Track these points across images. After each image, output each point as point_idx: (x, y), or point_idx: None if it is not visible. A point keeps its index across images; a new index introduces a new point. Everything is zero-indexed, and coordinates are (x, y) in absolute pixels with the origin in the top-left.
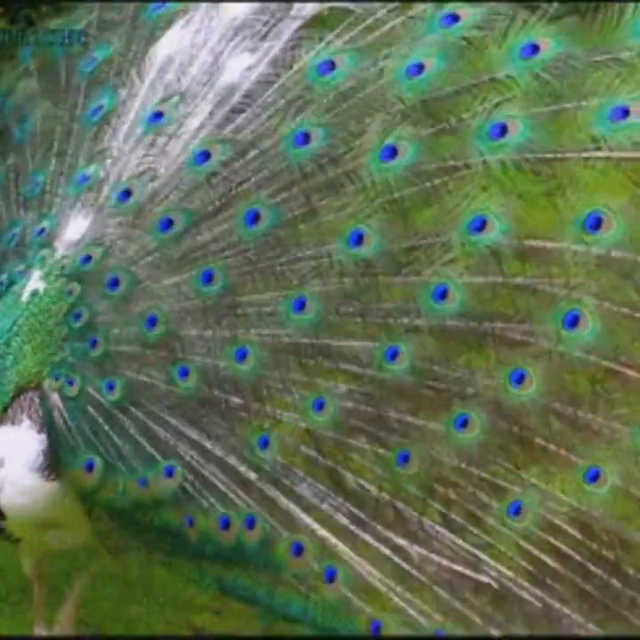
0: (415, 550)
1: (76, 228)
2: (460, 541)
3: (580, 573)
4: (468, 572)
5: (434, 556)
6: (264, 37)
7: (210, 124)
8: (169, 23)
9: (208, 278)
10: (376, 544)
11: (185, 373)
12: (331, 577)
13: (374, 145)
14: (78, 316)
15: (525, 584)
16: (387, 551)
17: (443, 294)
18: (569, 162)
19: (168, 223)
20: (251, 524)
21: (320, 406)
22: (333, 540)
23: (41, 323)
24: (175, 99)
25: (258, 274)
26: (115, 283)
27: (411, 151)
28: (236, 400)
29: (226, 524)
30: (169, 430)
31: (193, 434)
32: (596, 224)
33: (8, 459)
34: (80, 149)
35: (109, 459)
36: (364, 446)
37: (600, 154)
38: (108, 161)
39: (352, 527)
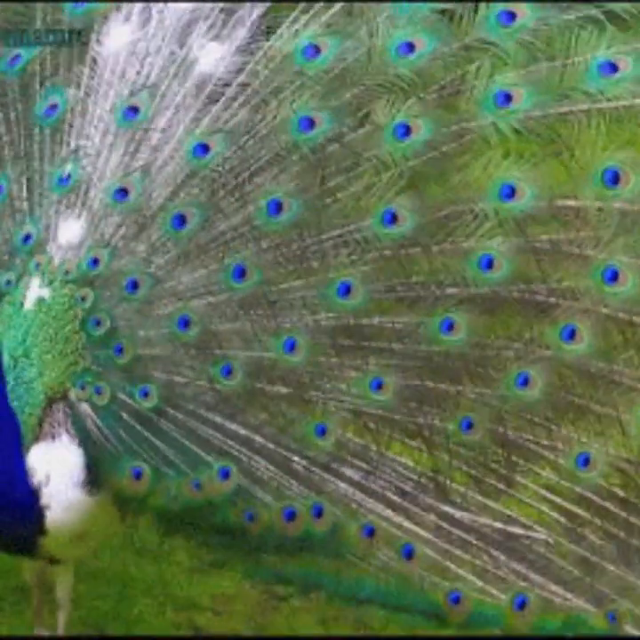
0: (465, 516)
1: (68, 230)
2: (496, 505)
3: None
4: (522, 531)
5: (486, 520)
6: (225, 25)
7: (197, 115)
8: (102, 18)
9: (240, 273)
10: (431, 516)
11: (228, 371)
12: (408, 554)
13: (385, 124)
14: (98, 323)
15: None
16: (443, 524)
17: (489, 263)
18: (573, 121)
19: (181, 219)
20: (318, 512)
21: (379, 386)
22: (399, 518)
23: (56, 331)
24: (145, 92)
25: (291, 262)
26: (134, 285)
27: (424, 127)
28: (284, 390)
29: (291, 516)
30: (213, 429)
31: (239, 429)
32: (614, 179)
33: (53, 475)
34: (42, 151)
35: (156, 464)
36: (420, 420)
37: (603, 105)
38: (85, 160)
39: (405, 503)
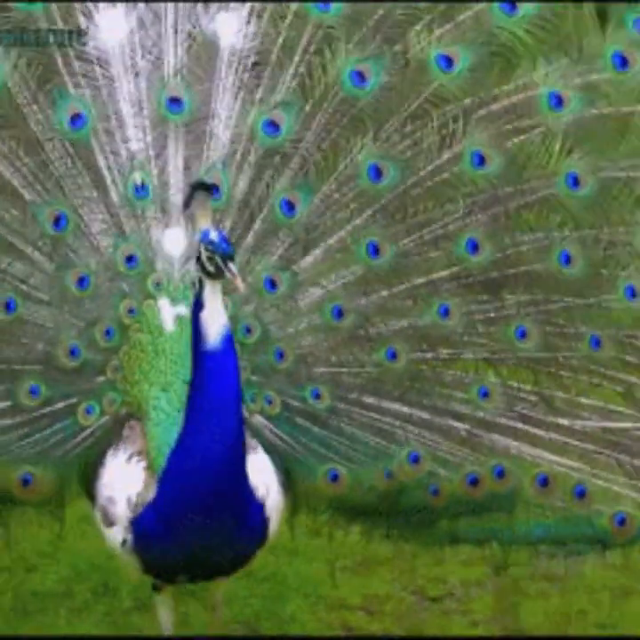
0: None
1: (173, 241)
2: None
3: None
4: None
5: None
6: None
7: (244, 94)
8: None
9: (374, 250)
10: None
11: (393, 354)
12: (581, 493)
13: (428, 62)
14: (248, 330)
15: None
16: (571, 440)
17: None
18: None
19: (289, 205)
20: (500, 473)
21: (522, 334)
22: (566, 460)
23: None
24: (178, 80)
25: (414, 229)
26: (271, 283)
27: (463, 57)
28: (443, 355)
29: (474, 481)
30: (380, 413)
31: (401, 408)
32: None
33: (270, 488)
34: (89, 165)
35: (346, 463)
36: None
37: None
38: (151, 164)
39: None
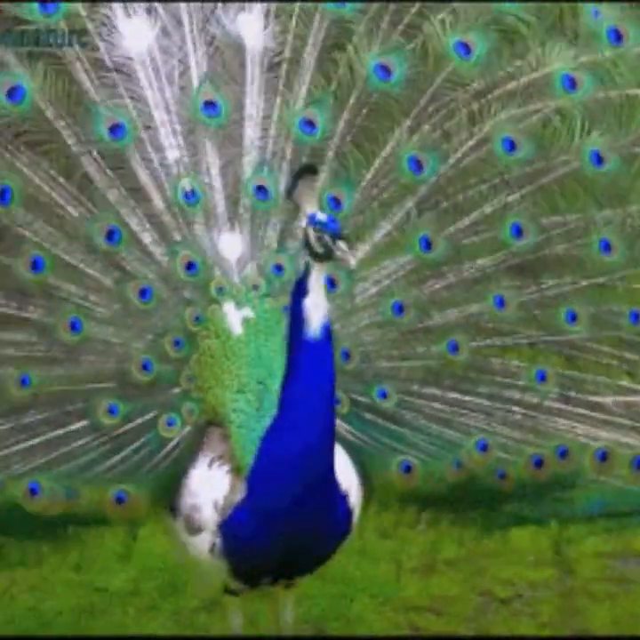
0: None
1: (230, 245)
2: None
3: None
4: None
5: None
6: None
7: (274, 94)
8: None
9: (427, 244)
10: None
11: (455, 347)
12: (638, 464)
13: (445, 51)
14: None
15: None
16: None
17: None
18: None
19: (336, 201)
20: (563, 453)
21: (573, 318)
22: (618, 436)
23: (279, 344)
24: (208, 84)
25: (454, 212)
26: (331, 282)
27: (479, 43)
28: (498, 342)
29: (539, 463)
30: (447, 404)
31: (465, 398)
32: None
33: (351, 481)
34: (132, 175)
35: (417, 453)
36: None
37: None
38: (193, 169)
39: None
